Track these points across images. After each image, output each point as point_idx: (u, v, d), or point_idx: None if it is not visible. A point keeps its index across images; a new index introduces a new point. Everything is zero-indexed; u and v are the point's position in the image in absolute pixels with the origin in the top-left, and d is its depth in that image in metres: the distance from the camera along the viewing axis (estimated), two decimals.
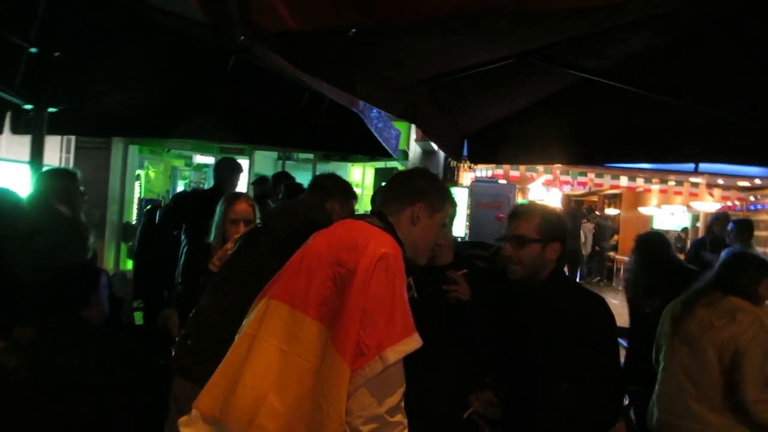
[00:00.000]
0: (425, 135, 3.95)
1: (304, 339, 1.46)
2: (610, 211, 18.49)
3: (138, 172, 9.46)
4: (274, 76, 3.46)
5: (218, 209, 2.76)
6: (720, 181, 9.75)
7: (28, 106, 3.81)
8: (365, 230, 1.60)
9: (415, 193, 1.75)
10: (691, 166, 7.82)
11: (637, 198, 15.54)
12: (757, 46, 3.06)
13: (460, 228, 7.09)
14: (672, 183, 9.77)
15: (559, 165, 8.95)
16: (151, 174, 10.70)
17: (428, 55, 2.74)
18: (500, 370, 2.08)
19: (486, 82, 3.29)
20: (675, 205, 13.28)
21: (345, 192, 2.40)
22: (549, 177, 9.72)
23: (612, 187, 10.09)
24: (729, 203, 10.37)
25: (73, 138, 7.99)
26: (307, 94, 3.97)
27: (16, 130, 4.14)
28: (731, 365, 2.40)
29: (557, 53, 2.97)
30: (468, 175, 8.06)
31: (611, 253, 13.14)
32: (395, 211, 1.73)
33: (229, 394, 1.44)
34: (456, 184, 7.77)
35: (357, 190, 9.35)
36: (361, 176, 10.43)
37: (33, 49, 3.67)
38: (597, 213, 14.93)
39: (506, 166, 8.74)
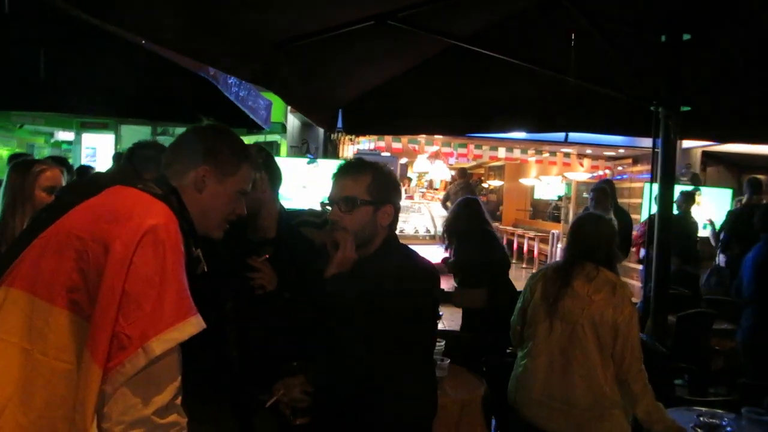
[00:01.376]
0: (287, 103, 3.71)
1: (51, 334, 1.19)
2: (495, 182, 19.26)
3: None
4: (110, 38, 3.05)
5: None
6: (588, 151, 10.32)
7: None
8: (132, 198, 1.32)
9: (200, 153, 1.46)
10: (561, 136, 8.20)
11: (519, 169, 16.25)
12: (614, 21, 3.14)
13: None
14: (546, 154, 10.22)
15: (440, 136, 9.04)
16: (2, 153, 9.58)
17: (280, 14, 2.51)
18: (310, 352, 1.83)
19: (350, 48, 3.13)
20: (552, 176, 14.01)
21: None
22: (433, 149, 9.80)
23: (492, 158, 10.38)
24: (601, 172, 11.03)
25: None
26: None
27: None
28: (611, 341, 2.37)
29: (418, 17, 2.83)
30: (350, 148, 7.90)
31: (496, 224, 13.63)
32: (179, 174, 1.45)
33: None
34: (336, 157, 7.58)
35: None
36: None
37: None
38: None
39: (388, 138, 8.68)
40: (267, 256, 1.86)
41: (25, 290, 1.22)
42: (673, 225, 3.52)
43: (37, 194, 2.37)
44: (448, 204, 9.23)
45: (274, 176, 2.03)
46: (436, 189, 11.36)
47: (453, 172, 14.86)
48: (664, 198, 3.14)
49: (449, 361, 2.77)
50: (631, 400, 2.38)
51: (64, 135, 10.14)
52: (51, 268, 1.22)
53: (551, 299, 2.49)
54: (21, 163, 2.41)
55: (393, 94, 4.03)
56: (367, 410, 1.73)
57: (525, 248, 12.78)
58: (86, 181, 1.56)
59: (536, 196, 16.60)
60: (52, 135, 10.53)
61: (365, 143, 9.22)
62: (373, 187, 1.77)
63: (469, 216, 4.08)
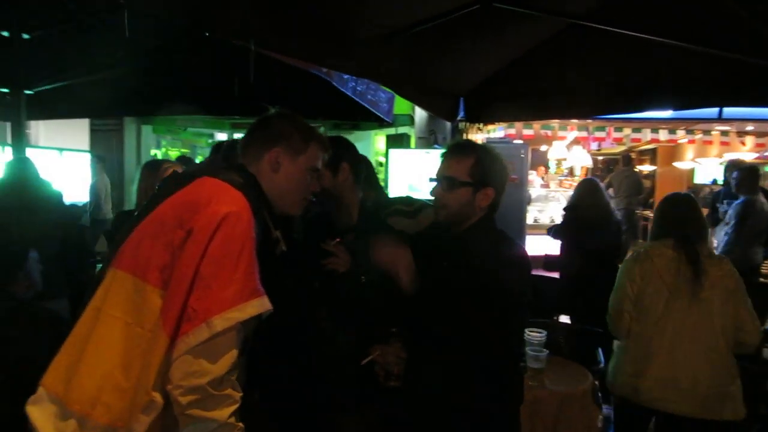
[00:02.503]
0: (399, 95, 3.79)
1: (146, 309, 1.37)
2: (645, 167, 17.80)
3: (154, 152, 9.57)
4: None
5: None
6: (750, 128, 9.18)
7: (4, 90, 3.82)
8: (211, 187, 1.47)
9: (271, 136, 1.61)
10: (714, 112, 7.38)
11: (673, 152, 14.89)
12: None
13: None
14: (700, 134, 9.26)
15: (575, 120, 8.59)
16: (171, 154, 10.83)
17: (378, 8, 2.59)
18: (405, 321, 1.90)
19: (460, 35, 3.12)
20: (711, 158, 12.66)
21: None
22: (568, 134, 9.34)
23: (634, 140, 9.60)
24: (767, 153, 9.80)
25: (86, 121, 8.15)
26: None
27: None
28: (734, 309, 2.49)
29: None
30: (477, 137, 7.79)
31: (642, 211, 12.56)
32: (255, 160, 1.60)
33: (72, 372, 1.37)
34: None
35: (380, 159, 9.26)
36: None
37: (4, 33, 3.66)
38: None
39: (519, 125, 8.42)
40: (339, 239, 1.96)
41: (128, 271, 1.41)
42: None
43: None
44: (610, 192, 8.83)
45: (356, 166, 2.12)
46: (577, 176, 10.80)
47: (600, 158, 14.00)
48: None
49: (548, 352, 2.69)
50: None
51: (221, 136, 11.21)
52: (147, 251, 1.41)
53: (677, 279, 2.52)
54: (150, 163, 2.78)
55: (515, 78, 3.92)
56: (456, 390, 1.76)
57: None
58: (181, 173, 1.78)
59: (696, 180, 15.10)
60: (211, 136, 11.67)
61: (498, 131, 9.04)
62: (476, 170, 1.80)
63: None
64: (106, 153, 8.19)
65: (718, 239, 5.38)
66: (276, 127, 1.63)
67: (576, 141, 10.50)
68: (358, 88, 3.93)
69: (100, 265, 1.56)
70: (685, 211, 2.68)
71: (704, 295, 2.48)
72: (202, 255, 1.33)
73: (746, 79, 3.42)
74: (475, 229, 1.83)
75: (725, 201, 5.41)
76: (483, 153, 1.85)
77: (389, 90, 4.64)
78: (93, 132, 8.32)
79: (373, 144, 10.24)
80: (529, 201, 7.29)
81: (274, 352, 1.63)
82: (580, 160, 10.77)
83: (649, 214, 12.11)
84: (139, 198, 2.74)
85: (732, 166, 5.63)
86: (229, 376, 1.34)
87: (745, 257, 4.87)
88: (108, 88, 4.25)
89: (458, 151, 1.86)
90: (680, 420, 2.45)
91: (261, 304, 1.36)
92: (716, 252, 4.46)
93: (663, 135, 9.05)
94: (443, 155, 1.89)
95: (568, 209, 4.92)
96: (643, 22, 2.95)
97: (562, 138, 10.04)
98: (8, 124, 4.05)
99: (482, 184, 1.80)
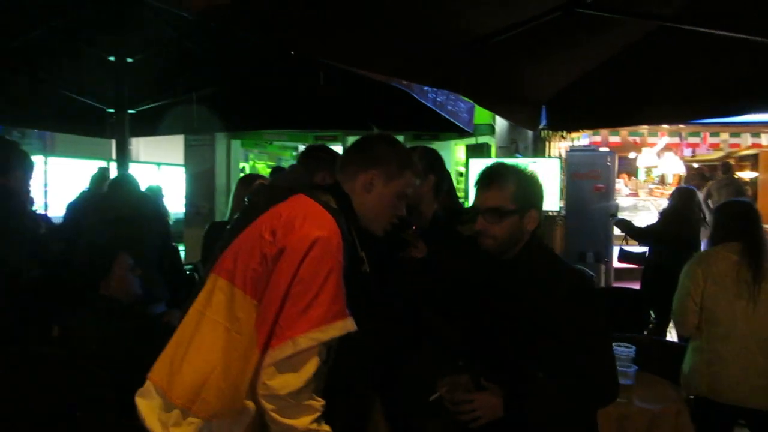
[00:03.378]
0: (478, 104, 3.77)
1: (243, 317, 1.47)
2: (746, 174, 16.63)
3: (243, 165, 10.00)
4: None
5: None
6: None
7: (110, 110, 4.15)
8: (306, 208, 1.55)
9: (370, 158, 1.67)
10: None
11: None
12: None
13: (554, 202, 6.71)
14: None
15: (666, 126, 8.18)
16: (258, 166, 11.28)
17: (457, 18, 2.60)
18: (472, 352, 1.88)
19: (542, 42, 3.07)
20: None
21: (335, 161, 2.33)
22: (659, 140, 8.89)
23: (732, 146, 8.99)
24: None
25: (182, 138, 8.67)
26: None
27: (101, 133, 4.52)
28: None
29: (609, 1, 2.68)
30: (558, 145, 7.59)
31: None
32: (350, 178, 1.67)
33: (176, 369, 1.48)
34: (543, 155, 7.35)
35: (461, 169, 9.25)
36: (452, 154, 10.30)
37: (111, 58, 3.99)
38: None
39: (604, 132, 8.12)
40: (415, 226, 1.99)
41: (228, 279, 1.52)
42: None
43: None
44: (710, 202, 8.36)
45: (441, 179, 2.17)
46: (669, 184, 10.27)
47: (695, 165, 13.22)
48: None
49: (637, 368, 2.57)
50: None
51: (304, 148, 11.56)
52: (245, 262, 1.51)
53: (747, 280, 2.62)
54: (246, 177, 2.95)
55: (600, 84, 3.79)
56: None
57: None
58: (272, 187, 1.88)
59: None
60: (296, 149, 12.05)
61: (583, 138, 8.77)
62: (517, 195, 1.76)
63: None
64: (198, 166, 8.66)
65: None
66: (376, 151, 1.71)
67: (667, 147, 10.00)
68: (438, 99, 3.95)
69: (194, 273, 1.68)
70: (751, 220, 2.83)
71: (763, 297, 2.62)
72: (293, 275, 1.43)
73: None
74: (528, 253, 1.80)
75: None
76: (521, 175, 1.80)
77: (469, 100, 4.63)
78: (188, 147, 8.82)
79: (453, 154, 10.21)
80: (616, 210, 6.99)
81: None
82: (672, 167, 10.23)
83: None
84: (233, 209, 2.92)
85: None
86: (306, 388, 1.43)
87: None
88: (201, 107, 4.52)
89: (496, 178, 1.80)
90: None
91: (344, 326, 1.45)
92: None
93: (765, 139, 8.44)
94: (478, 184, 1.83)
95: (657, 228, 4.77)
96: (735, 21, 2.80)
97: (652, 144, 9.58)
98: (113, 141, 4.40)
99: (527, 208, 1.77)
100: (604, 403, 1.78)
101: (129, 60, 3.96)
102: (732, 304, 2.62)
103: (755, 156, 14.78)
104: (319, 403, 1.46)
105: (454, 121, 4.43)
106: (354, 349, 1.53)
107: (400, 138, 8.88)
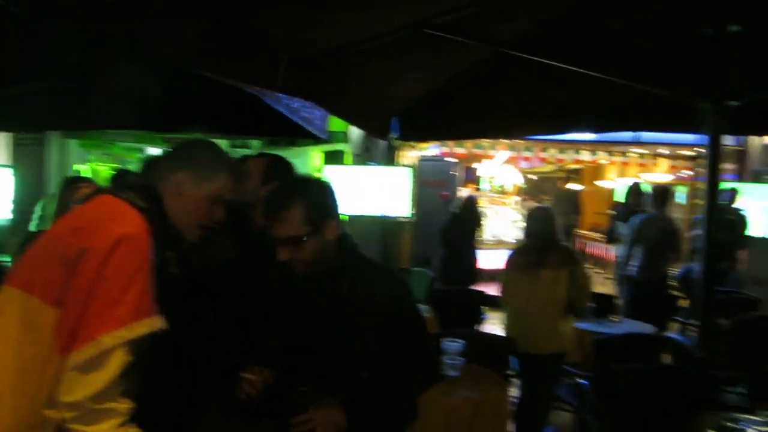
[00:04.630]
0: (329, 112, 3.87)
1: (40, 326, 1.37)
2: (573, 186, 18.63)
3: (80, 167, 9.21)
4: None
5: None
6: (664, 151, 9.86)
7: None
8: (109, 207, 1.49)
9: (182, 159, 1.64)
10: (631, 136, 7.90)
11: (596, 172, 15.67)
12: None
13: (404, 209, 7.02)
14: (619, 156, 9.87)
15: (506, 140, 8.95)
16: (100, 168, 10.45)
17: (304, 28, 2.65)
18: (296, 366, 1.84)
19: (393, 56, 3.21)
20: (631, 178, 13.40)
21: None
22: (498, 153, 9.71)
23: (558, 161, 10.12)
24: (685, 173, 10.48)
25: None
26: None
27: None
28: None
29: (457, 22, 2.87)
30: (411, 154, 8.00)
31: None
32: (162, 179, 1.62)
33: None
34: (395, 163, 7.69)
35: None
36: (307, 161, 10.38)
37: None
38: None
39: (451, 144, 8.70)
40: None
41: (22, 288, 1.41)
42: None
43: (73, 206, 2.72)
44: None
45: None
46: (508, 193, 11.22)
47: (533, 177, 14.53)
48: (710, 198, 3.02)
49: (464, 360, 2.81)
50: None
51: (154, 150, 10.91)
52: (43, 269, 1.41)
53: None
54: (70, 180, 2.81)
55: (447, 99, 4.04)
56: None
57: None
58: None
59: (616, 198, 15.95)
60: (141, 150, 11.33)
61: (432, 148, 9.29)
62: (308, 215, 1.72)
63: None
64: (27, 168, 7.84)
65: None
66: (189, 153, 1.67)
67: (509, 159, 10.93)
68: (293, 105, 3.97)
69: None
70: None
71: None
72: (96, 275, 1.35)
73: (656, 107, 3.73)
74: (341, 260, 1.82)
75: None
76: (308, 193, 1.77)
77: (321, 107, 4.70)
78: (16, 146, 7.95)
79: (310, 161, 10.28)
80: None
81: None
82: (511, 177, 11.18)
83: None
84: (57, 215, 2.73)
85: (634, 188, 6.17)
86: (110, 390, 1.34)
87: (649, 269, 5.28)
88: (30, 102, 4.10)
89: (282, 208, 1.73)
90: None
91: (151, 324, 1.38)
92: (626, 266, 5.40)
93: (585, 156, 9.57)
94: (268, 215, 1.75)
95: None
96: (562, 53, 3.16)
97: (492, 157, 10.41)
98: None
99: (322, 223, 1.74)
100: (435, 384, 1.95)
101: None
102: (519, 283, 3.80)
103: (578, 171, 16.55)
104: (123, 405, 1.37)
105: (307, 128, 4.46)
106: (167, 350, 1.46)
107: (256, 144, 8.74)
